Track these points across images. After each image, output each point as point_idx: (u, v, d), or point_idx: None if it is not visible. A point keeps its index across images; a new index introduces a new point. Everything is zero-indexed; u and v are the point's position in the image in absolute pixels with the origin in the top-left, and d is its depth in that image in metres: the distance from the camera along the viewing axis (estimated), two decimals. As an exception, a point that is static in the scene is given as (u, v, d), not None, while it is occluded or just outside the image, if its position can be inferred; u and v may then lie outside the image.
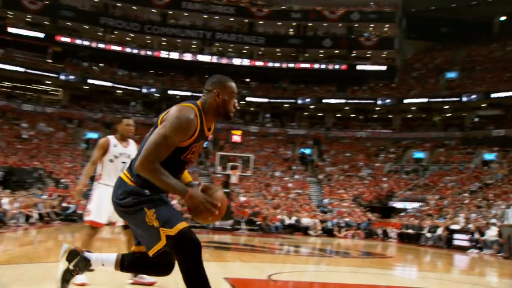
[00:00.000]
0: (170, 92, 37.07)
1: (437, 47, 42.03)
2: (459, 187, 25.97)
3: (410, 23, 41.72)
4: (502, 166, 27.10)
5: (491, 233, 15.04)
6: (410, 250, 14.81)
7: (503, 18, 42.54)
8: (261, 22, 40.23)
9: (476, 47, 39.75)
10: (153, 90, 37.33)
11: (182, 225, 2.40)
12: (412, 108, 36.83)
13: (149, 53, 38.24)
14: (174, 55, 38.40)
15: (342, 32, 39.66)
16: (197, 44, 39.78)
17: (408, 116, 37.68)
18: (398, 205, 26.60)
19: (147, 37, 39.03)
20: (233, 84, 2.58)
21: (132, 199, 2.45)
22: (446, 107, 35.77)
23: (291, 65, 39.09)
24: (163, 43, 39.41)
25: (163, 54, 38.30)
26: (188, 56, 38.66)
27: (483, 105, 34.12)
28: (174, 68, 38.69)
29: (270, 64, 39.17)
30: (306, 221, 20.86)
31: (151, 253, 2.44)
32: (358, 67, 38.57)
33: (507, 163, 27.29)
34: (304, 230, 20.00)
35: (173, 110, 2.43)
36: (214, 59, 38.90)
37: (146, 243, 2.48)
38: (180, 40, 39.28)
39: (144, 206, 2.42)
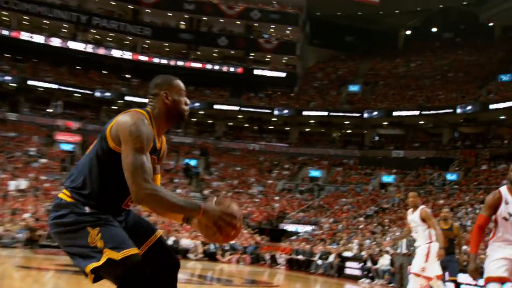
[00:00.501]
0: (31, 82, 34.45)
1: (341, 57, 44.43)
2: (355, 210, 27.24)
3: (314, 28, 43.56)
4: (399, 189, 29.02)
5: (384, 262, 15.71)
6: (299, 279, 14.97)
7: (408, 32, 46.34)
8: (148, 10, 39.18)
9: (380, 60, 42.68)
10: (8, 78, 34.30)
11: (133, 251, 2.31)
12: (311, 121, 38.21)
13: (4, 32, 35.11)
14: (39, 39, 35.78)
15: (240, 30, 40.14)
16: (69, 29, 37.52)
17: (306, 129, 39.04)
18: (290, 227, 27.14)
19: (3, 12, 35.87)
20: (179, 82, 2.60)
21: (74, 217, 2.38)
22: (347, 122, 37.69)
23: (180, 63, 38.48)
24: (25, 23, 36.53)
25: (24, 36, 35.48)
26: (56, 42, 36.26)
27: (384, 123, 36.50)
28: (37, 54, 36.01)
29: (156, 60, 38.16)
30: (186, 242, 20.66)
31: (88, 275, 2.32)
32: (256, 72, 39.22)
33: (405, 186, 29.30)
34: (183, 253, 19.67)
35: (124, 118, 2.38)
36: (89, 48, 36.99)
37: (79, 263, 2.36)
38: (47, 21, 36.72)
39: (87, 225, 2.36)
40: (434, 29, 45.62)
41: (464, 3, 40.27)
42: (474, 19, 40.43)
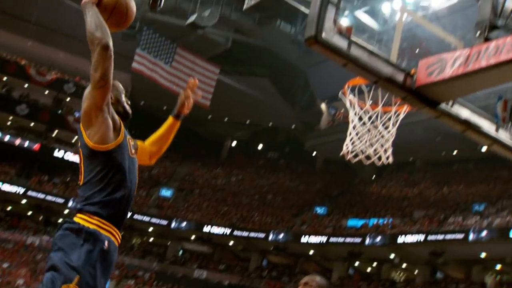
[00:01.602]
0: None
1: (163, 155, 45.60)
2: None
3: (135, 118, 44.46)
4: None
5: None
6: None
7: (234, 143, 49.89)
8: None
9: (200, 167, 44.87)
10: None
11: None
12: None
13: None
14: None
15: (46, 101, 39.40)
16: None
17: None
18: None
19: None
20: (116, 81, 3.18)
21: None
22: (151, 229, 38.07)
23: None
24: None
25: None
26: None
27: (192, 237, 37.66)
28: None
29: None
30: None
31: None
32: (56, 153, 38.23)
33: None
34: None
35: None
36: None
37: None
38: None
39: None
40: (260, 146, 49.84)
41: (293, 126, 45.15)
42: (299, 145, 45.31)
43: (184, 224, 36.93)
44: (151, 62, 32.44)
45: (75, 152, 38.90)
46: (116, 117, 3.17)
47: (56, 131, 39.50)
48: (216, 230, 36.55)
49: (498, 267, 32.06)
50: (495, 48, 3.53)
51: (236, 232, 36.18)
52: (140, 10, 28.01)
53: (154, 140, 3.87)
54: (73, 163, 38.53)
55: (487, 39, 3.87)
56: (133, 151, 3.32)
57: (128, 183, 3.12)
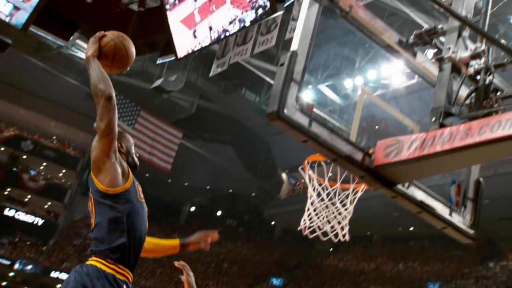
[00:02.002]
0: None
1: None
2: None
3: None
4: None
5: None
6: None
7: (193, 208, 49.37)
8: None
9: (157, 231, 43.97)
10: None
11: None
12: (58, 285, 36.42)
13: None
14: None
15: (1, 158, 38.56)
16: None
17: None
18: None
19: None
20: (126, 133, 3.60)
21: None
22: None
23: None
24: None
25: None
26: None
27: (141, 303, 36.46)
28: None
29: None
30: None
31: None
32: (7, 212, 37.14)
33: None
34: None
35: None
36: None
37: None
38: None
39: None
40: (219, 213, 49.44)
41: (253, 194, 45.12)
42: (259, 214, 45.15)
43: (135, 290, 35.75)
44: (114, 123, 32.29)
45: (27, 212, 37.90)
46: (125, 164, 3.43)
47: (9, 189, 38.46)
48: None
49: None
50: (449, 135, 3.65)
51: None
52: (105, 72, 28.10)
53: (152, 242, 4.07)
54: (24, 222, 37.43)
55: (442, 125, 4.01)
56: (141, 195, 3.55)
57: (138, 225, 3.35)
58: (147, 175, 41.87)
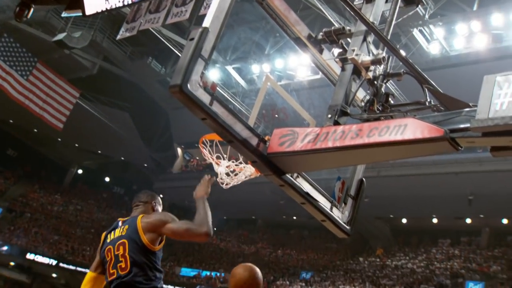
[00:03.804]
0: None
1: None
2: None
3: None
4: None
5: None
6: None
7: (80, 171, 47.80)
8: None
9: (38, 189, 42.21)
10: None
11: None
12: None
13: None
14: None
15: None
16: None
17: None
18: None
19: None
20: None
21: None
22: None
23: None
24: None
25: None
26: None
27: (11, 263, 34.91)
28: None
29: None
30: None
31: None
32: None
33: None
34: None
35: (150, 216, 4.24)
36: None
37: None
38: None
39: None
40: (107, 179, 48.32)
41: (145, 165, 44.45)
42: (148, 185, 44.56)
43: (5, 248, 34.24)
44: (5, 71, 30.39)
45: None
46: None
47: None
48: (41, 259, 34.29)
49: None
50: (341, 133, 3.80)
51: (62, 264, 34.27)
52: (4, 15, 26.44)
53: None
54: None
55: (336, 123, 4.16)
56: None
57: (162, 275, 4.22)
58: (35, 130, 40.05)
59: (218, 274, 34.77)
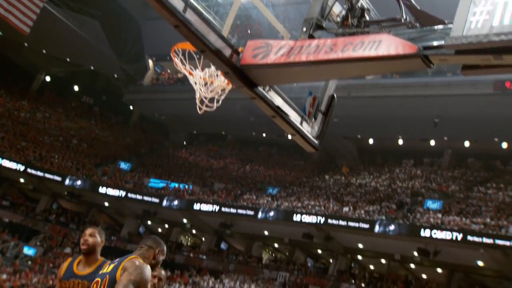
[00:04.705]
0: None
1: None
2: None
3: None
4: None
5: None
6: None
7: (48, 78, 46.77)
8: None
9: (4, 95, 41.36)
10: None
11: None
12: None
13: None
14: None
15: None
16: None
17: None
18: None
19: None
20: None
21: None
22: None
23: None
24: None
25: None
26: None
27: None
28: None
29: None
30: None
31: None
32: None
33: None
34: None
35: (133, 264, 3.83)
36: None
37: None
38: None
39: None
40: (76, 88, 47.52)
41: (115, 76, 43.73)
42: (118, 96, 44.11)
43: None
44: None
45: None
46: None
47: None
48: (8, 164, 34.08)
49: (276, 245, 34.81)
50: (316, 47, 3.77)
51: (30, 170, 34.20)
52: None
53: None
54: None
55: (311, 36, 4.11)
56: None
57: None
58: (0, 33, 38.69)
59: (186, 186, 35.28)
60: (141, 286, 3.71)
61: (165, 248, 4.15)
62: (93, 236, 4.43)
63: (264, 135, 41.60)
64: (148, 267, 3.85)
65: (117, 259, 3.97)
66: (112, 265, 3.91)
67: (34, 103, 42.54)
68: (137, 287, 3.69)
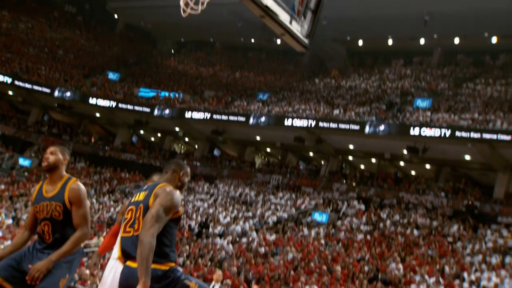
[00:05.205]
0: None
1: None
2: None
3: None
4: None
5: None
6: None
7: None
8: None
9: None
10: None
11: None
12: None
13: None
14: None
15: None
16: None
17: None
18: None
19: None
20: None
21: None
22: None
23: None
24: None
25: None
26: None
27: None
28: None
29: None
30: None
31: None
32: None
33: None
34: None
35: (164, 190, 4.03)
36: None
37: None
38: None
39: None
40: (58, -3, 46.15)
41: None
42: (102, 5, 42.94)
43: None
44: None
45: None
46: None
47: None
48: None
49: (268, 150, 35.37)
50: None
51: (18, 83, 33.82)
52: None
53: None
54: None
55: None
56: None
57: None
58: None
59: (176, 95, 35.17)
60: (171, 210, 3.96)
61: (188, 169, 4.37)
62: (54, 154, 4.45)
63: (252, 40, 41.04)
64: (177, 192, 4.06)
65: (146, 186, 4.18)
66: (143, 193, 4.10)
67: (15, 13, 41.36)
68: (167, 211, 3.94)
